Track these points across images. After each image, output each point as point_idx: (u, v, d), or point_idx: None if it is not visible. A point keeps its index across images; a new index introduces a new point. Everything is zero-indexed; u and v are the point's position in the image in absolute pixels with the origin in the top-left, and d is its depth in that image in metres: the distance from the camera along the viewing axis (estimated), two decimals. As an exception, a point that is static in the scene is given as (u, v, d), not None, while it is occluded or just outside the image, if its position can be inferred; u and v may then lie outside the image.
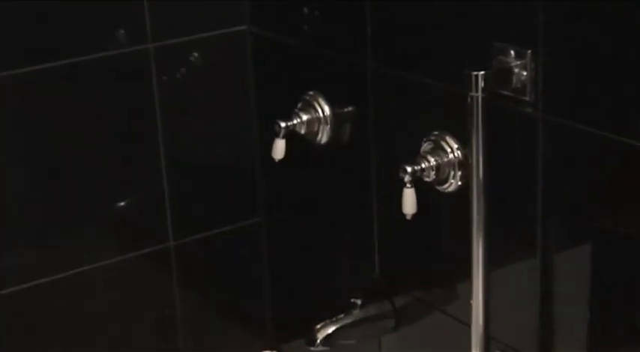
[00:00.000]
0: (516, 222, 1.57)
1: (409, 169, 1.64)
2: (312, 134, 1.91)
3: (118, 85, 1.94)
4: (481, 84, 1.47)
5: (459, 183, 1.65)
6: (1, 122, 1.86)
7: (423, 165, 1.65)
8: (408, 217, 1.67)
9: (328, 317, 1.80)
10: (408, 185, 1.65)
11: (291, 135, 1.89)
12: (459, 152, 1.64)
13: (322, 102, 1.89)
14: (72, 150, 1.93)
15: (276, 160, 1.90)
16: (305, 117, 1.89)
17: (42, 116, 1.90)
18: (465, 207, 1.58)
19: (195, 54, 2.00)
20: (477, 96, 1.48)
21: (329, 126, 1.89)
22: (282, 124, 1.88)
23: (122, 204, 2.00)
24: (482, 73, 1.47)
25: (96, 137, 1.95)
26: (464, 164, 1.63)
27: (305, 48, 1.91)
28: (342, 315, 1.80)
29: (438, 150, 1.65)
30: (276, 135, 1.88)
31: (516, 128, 1.52)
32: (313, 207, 2.02)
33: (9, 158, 1.88)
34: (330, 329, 1.79)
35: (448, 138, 1.65)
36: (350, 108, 1.85)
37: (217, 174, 2.09)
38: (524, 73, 1.48)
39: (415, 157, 1.66)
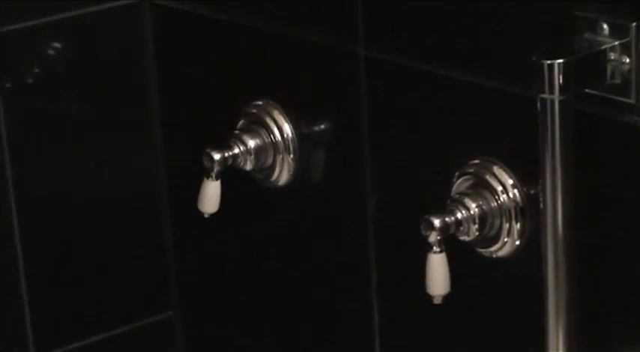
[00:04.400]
0: (620, 302, 1.59)
1: (437, 223, 1.65)
2: (264, 170, 1.92)
3: None
4: (559, 79, 1.49)
5: (517, 242, 1.67)
6: None
7: (459, 215, 1.66)
8: (437, 301, 1.68)
9: None
10: (436, 248, 1.66)
11: (227, 172, 1.89)
12: (516, 192, 1.66)
13: (279, 118, 1.90)
14: None
15: (206, 215, 1.90)
16: (252, 143, 1.90)
17: None
18: (529, 280, 1.60)
19: (60, 43, 2.02)
20: (553, 99, 1.50)
21: (292, 156, 1.90)
22: (216, 156, 1.89)
23: None
24: (560, 61, 1.49)
25: None
26: (525, 211, 1.64)
27: (252, 28, 1.92)
28: None
29: (481, 189, 1.67)
30: (206, 174, 1.89)
31: (615, 146, 1.54)
32: (265, 293, 2.03)
33: None
34: None
35: (497, 170, 1.67)
36: (326, 126, 1.87)
37: (105, 242, 2.12)
38: (627, 61, 1.50)
39: (445, 202, 1.67)
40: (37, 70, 2.02)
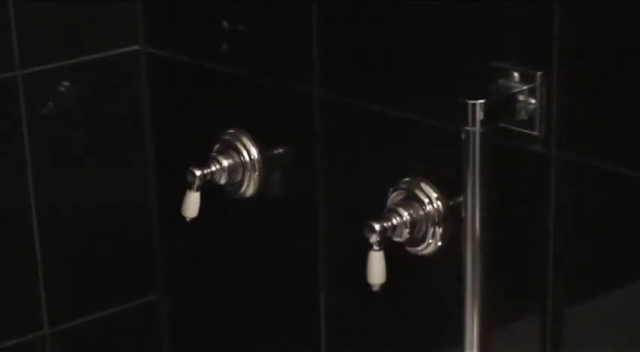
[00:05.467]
0: (521, 288, 1.58)
1: (377, 227, 1.64)
2: (235, 184, 1.90)
3: None
4: (479, 116, 1.49)
5: (439, 243, 1.66)
6: None
7: (394, 222, 1.66)
8: (376, 288, 1.67)
9: None
10: (375, 247, 1.65)
11: (206, 186, 1.87)
12: (439, 203, 1.65)
13: (248, 143, 1.89)
14: None
15: (188, 219, 1.89)
16: (225, 163, 1.89)
17: None
18: (447, 273, 1.59)
19: (71, 83, 1.99)
20: (474, 132, 1.50)
21: (257, 173, 1.89)
22: (197, 173, 1.87)
23: None
24: (481, 101, 1.48)
25: None
26: (446, 218, 1.64)
27: (223, 72, 1.90)
28: None
29: (411, 201, 1.66)
30: (189, 186, 1.88)
31: (523, 170, 1.54)
32: (234, 284, 2.01)
33: None
34: None
35: (424, 186, 1.66)
36: (285, 149, 1.85)
37: (102, 236, 2.09)
38: (533, 102, 1.50)
39: (382, 211, 1.66)
40: (51, 105, 1.98)
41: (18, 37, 1.93)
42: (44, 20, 1.96)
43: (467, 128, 1.51)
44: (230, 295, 2.03)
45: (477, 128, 1.50)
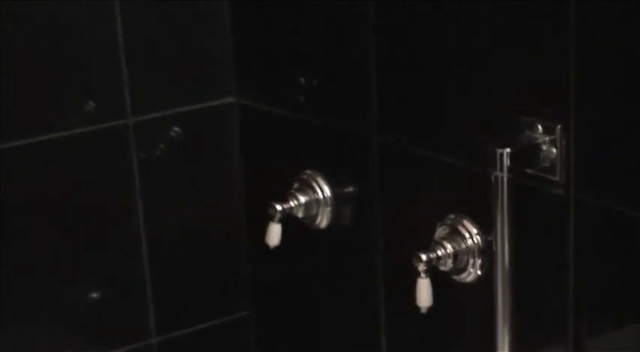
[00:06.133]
0: (545, 314, 1.55)
1: (424, 257, 1.63)
2: (311, 217, 1.89)
3: (93, 163, 1.94)
4: (506, 162, 1.47)
5: (479, 272, 1.64)
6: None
7: (439, 253, 1.64)
8: (423, 311, 1.66)
9: None
10: (423, 275, 1.64)
11: (286, 218, 1.87)
12: (478, 237, 1.63)
13: (321, 182, 1.88)
14: (42, 232, 1.93)
15: (271, 247, 1.88)
16: (303, 199, 1.88)
17: (9, 197, 1.89)
18: (486, 298, 1.57)
19: (176, 128, 1.99)
20: (502, 176, 1.48)
21: (329, 208, 1.88)
22: (278, 207, 1.87)
23: (97, 291, 1.99)
24: (508, 150, 1.46)
25: (69, 219, 1.95)
26: (484, 251, 1.62)
27: (301, 121, 1.90)
28: None
29: (454, 235, 1.64)
30: (271, 219, 1.87)
31: (545, 211, 1.51)
32: (311, 300, 2.00)
33: None
34: None
35: (466, 222, 1.64)
36: (353, 189, 1.84)
37: (202, 260, 2.08)
38: (554, 151, 1.47)
39: (430, 244, 1.64)
40: (157, 150, 1.99)
41: (130, 88, 1.93)
42: (151, 74, 1.96)
43: (496, 173, 1.48)
44: (306, 312, 2.02)
45: (505, 173, 1.48)
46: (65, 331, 1.99)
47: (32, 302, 1.95)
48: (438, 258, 1.64)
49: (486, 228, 1.59)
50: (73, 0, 1.86)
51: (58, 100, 1.89)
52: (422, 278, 1.64)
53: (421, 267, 1.64)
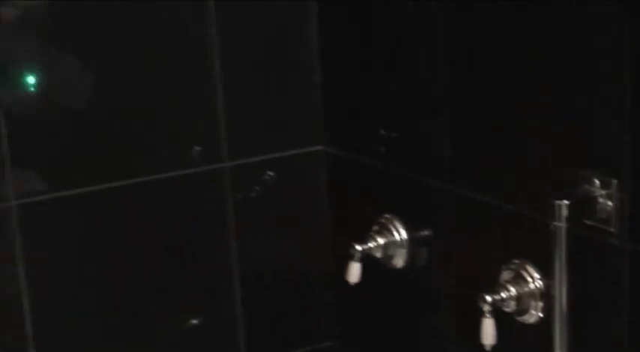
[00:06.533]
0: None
1: (489, 299, 1.61)
2: (388, 257, 1.88)
3: (192, 203, 1.95)
4: (565, 213, 1.45)
5: (540, 314, 1.61)
6: (73, 241, 1.88)
7: (503, 295, 1.61)
8: (487, 349, 1.63)
9: None
10: (488, 315, 1.62)
11: (366, 257, 1.86)
12: (540, 282, 1.60)
13: (399, 226, 1.87)
14: (142, 268, 1.94)
15: (351, 283, 1.88)
16: (381, 241, 1.87)
17: (113, 234, 1.91)
18: (547, 339, 1.54)
19: (270, 173, 2.00)
20: (561, 226, 1.45)
21: (405, 250, 1.87)
22: (359, 248, 1.86)
23: (194, 322, 1.99)
24: (567, 202, 1.44)
25: (167, 254, 1.95)
26: (545, 295, 1.59)
27: (381, 169, 1.89)
28: None
29: (518, 279, 1.62)
30: (352, 258, 1.86)
31: (601, 259, 1.48)
32: (387, 334, 1.98)
33: (77, 277, 1.90)
34: None
35: (529, 267, 1.61)
36: (427, 233, 1.83)
37: (290, 294, 2.08)
38: (610, 204, 1.45)
39: (495, 286, 1.62)
40: (252, 192, 2.00)
41: (229, 136, 1.95)
42: (248, 123, 1.97)
43: (555, 223, 1.46)
44: (383, 344, 2.01)
45: (563, 223, 1.46)
46: None
47: (137, 331, 1.96)
48: (502, 299, 1.61)
49: (547, 273, 1.56)
50: (180, 66, 1.88)
51: (166, 144, 1.91)
52: (487, 317, 1.62)
53: (486, 308, 1.62)
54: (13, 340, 1.87)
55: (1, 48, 1.76)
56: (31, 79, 1.78)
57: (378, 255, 1.88)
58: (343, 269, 1.89)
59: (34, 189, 1.83)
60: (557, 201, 1.45)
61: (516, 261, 1.63)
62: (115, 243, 1.92)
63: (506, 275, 1.64)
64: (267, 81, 1.97)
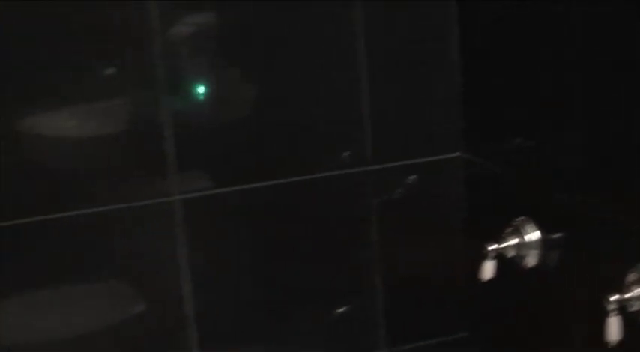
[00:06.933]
0: None
1: (615, 298, 1.57)
2: (520, 257, 1.85)
3: (340, 202, 1.97)
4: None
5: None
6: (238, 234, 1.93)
7: (628, 295, 1.57)
8: (611, 345, 1.59)
9: None
10: (613, 313, 1.58)
11: (498, 257, 1.84)
12: (662, 284, 1.55)
13: (531, 228, 1.84)
14: (294, 259, 1.96)
15: (484, 280, 1.86)
16: (513, 242, 1.85)
17: (268, 228, 1.94)
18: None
19: (412, 176, 2.00)
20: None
21: (537, 250, 1.83)
22: (492, 247, 1.84)
23: (339, 311, 2.00)
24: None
25: (317, 248, 1.97)
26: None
27: (516, 176, 1.87)
28: None
29: (642, 281, 1.58)
30: (485, 257, 1.84)
31: None
32: (519, 328, 1.95)
33: (235, 266, 1.94)
34: None
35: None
36: (558, 235, 1.79)
37: (427, 288, 2.07)
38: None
39: (621, 287, 1.58)
40: (395, 195, 2.00)
41: (372, 142, 1.96)
42: (392, 131, 1.97)
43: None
44: (515, 337, 1.97)
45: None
46: (317, 342, 2.02)
47: (287, 317, 1.99)
48: (628, 299, 1.57)
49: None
50: (331, 79, 1.91)
51: (317, 149, 1.94)
52: (612, 316, 1.58)
53: (611, 307, 1.57)
54: (175, 321, 1.90)
55: (176, 62, 1.80)
56: (200, 90, 1.82)
57: (510, 254, 1.85)
58: (477, 267, 1.87)
59: (196, 187, 1.86)
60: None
61: (641, 265, 1.58)
62: (269, 236, 1.94)
63: (631, 277, 1.59)
64: (410, 91, 1.97)
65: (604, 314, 1.58)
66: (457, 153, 2.01)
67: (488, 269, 1.86)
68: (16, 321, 1.80)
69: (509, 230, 1.87)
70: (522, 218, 1.85)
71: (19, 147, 1.75)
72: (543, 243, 1.83)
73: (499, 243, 1.85)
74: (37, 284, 1.81)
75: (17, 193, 1.76)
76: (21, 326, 1.81)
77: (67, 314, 1.84)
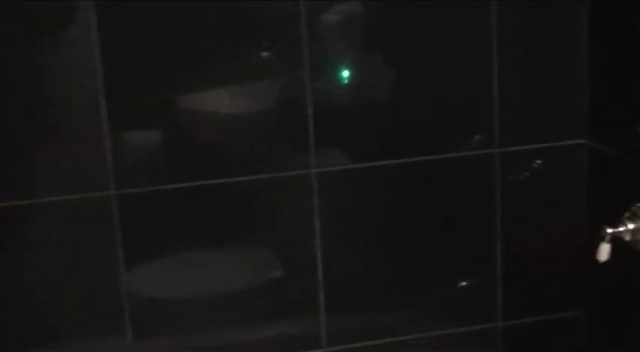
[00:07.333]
0: None
1: None
2: (636, 241, 1.90)
3: (467, 181, 2.05)
4: None
5: None
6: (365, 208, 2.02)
7: None
8: None
9: None
10: None
11: (615, 240, 1.89)
12: None
13: (650, 212, 1.88)
14: (422, 232, 2.05)
15: (600, 262, 1.91)
16: (631, 226, 1.90)
17: (398, 201, 2.03)
18: None
19: (537, 161, 2.05)
20: None
21: (654, 235, 1.88)
22: (609, 230, 1.89)
23: (461, 284, 2.08)
24: None
25: (440, 224, 2.06)
26: None
27: (638, 163, 1.91)
28: None
29: None
30: (602, 239, 1.89)
31: None
32: (629, 307, 2.00)
33: (366, 235, 2.03)
34: None
35: None
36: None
37: (546, 266, 2.11)
38: None
39: None
40: (520, 177, 2.06)
41: (500, 126, 2.01)
42: (519, 116, 2.02)
43: None
44: (627, 316, 2.02)
45: None
46: (438, 313, 2.10)
47: (411, 285, 2.07)
48: None
49: None
50: (463, 64, 1.98)
51: (449, 130, 2.01)
52: None
53: None
54: (307, 287, 2.02)
55: (323, 47, 1.92)
56: (343, 74, 1.93)
57: (627, 238, 1.90)
58: (594, 248, 1.90)
59: (333, 162, 1.97)
60: None
61: None
62: (397, 210, 2.03)
63: None
64: (539, 78, 2.01)
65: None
66: (582, 140, 2.05)
67: (604, 251, 1.89)
68: (171, 277, 1.95)
69: (627, 214, 1.90)
70: (640, 204, 1.89)
71: (179, 121, 1.90)
72: (660, 229, 1.86)
73: (617, 226, 1.89)
74: (189, 246, 1.94)
75: (175, 162, 1.91)
76: (174, 282, 1.96)
77: (212, 275, 1.97)
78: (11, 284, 1.87)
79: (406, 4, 1.92)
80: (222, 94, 1.89)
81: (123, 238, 1.88)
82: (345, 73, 1.94)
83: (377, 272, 2.04)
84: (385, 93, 1.96)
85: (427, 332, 2.08)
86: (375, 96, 1.96)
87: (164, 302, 1.94)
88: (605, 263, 1.90)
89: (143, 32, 1.82)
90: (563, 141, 2.04)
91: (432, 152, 2.00)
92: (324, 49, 1.92)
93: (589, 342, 2.17)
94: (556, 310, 2.15)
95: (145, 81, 1.83)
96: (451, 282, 2.09)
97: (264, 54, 1.89)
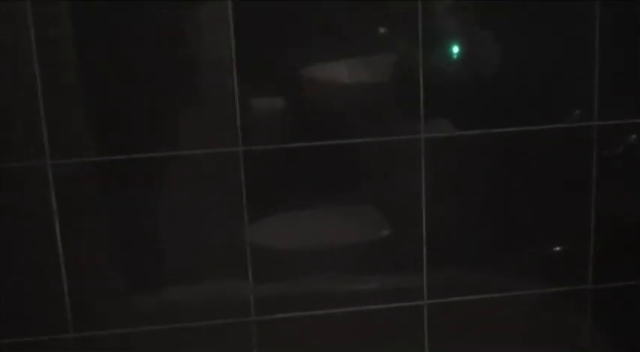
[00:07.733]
0: None
1: None
2: None
3: (562, 153, 2.12)
4: None
5: None
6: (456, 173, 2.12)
7: None
8: None
9: None
10: None
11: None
12: None
13: None
14: (520, 198, 2.13)
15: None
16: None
17: (497, 171, 2.12)
18: None
19: (634, 135, 2.12)
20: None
21: None
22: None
23: (555, 249, 2.16)
24: None
25: (538, 191, 2.13)
26: None
27: None
28: None
29: None
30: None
31: None
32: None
33: (466, 201, 2.13)
34: None
35: None
36: None
37: (635, 235, 2.16)
38: None
39: None
40: (617, 150, 2.13)
41: (598, 100, 2.08)
42: (619, 91, 2.05)
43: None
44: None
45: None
46: (531, 275, 2.17)
47: (515, 251, 2.15)
48: None
49: None
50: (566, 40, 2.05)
51: (552, 103, 2.08)
52: None
53: None
54: (411, 245, 2.10)
55: (437, 24, 2.02)
56: (455, 49, 2.05)
57: None
58: None
59: (440, 129, 2.07)
60: None
61: None
62: (499, 177, 2.10)
63: None
64: (639, 54, 2.06)
65: None
66: (678, 118, 2.09)
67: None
68: (287, 230, 2.09)
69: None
70: None
71: (302, 89, 2.03)
72: None
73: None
74: (306, 202, 2.07)
75: (296, 124, 2.05)
76: (290, 235, 2.10)
77: (324, 230, 2.09)
78: (148, 227, 2.04)
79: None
80: (341, 67, 2.01)
81: (247, 191, 2.02)
82: (455, 49, 2.04)
83: (476, 233, 2.13)
84: (492, 68, 2.05)
85: (520, 290, 2.16)
86: (482, 70, 2.05)
87: (280, 252, 2.07)
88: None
89: (274, 8, 1.96)
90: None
91: (534, 123, 2.08)
92: (437, 25, 2.02)
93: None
94: (624, 279, 2.19)
95: (272, 53, 1.98)
96: (545, 246, 2.16)
97: (382, 30, 2.00)
